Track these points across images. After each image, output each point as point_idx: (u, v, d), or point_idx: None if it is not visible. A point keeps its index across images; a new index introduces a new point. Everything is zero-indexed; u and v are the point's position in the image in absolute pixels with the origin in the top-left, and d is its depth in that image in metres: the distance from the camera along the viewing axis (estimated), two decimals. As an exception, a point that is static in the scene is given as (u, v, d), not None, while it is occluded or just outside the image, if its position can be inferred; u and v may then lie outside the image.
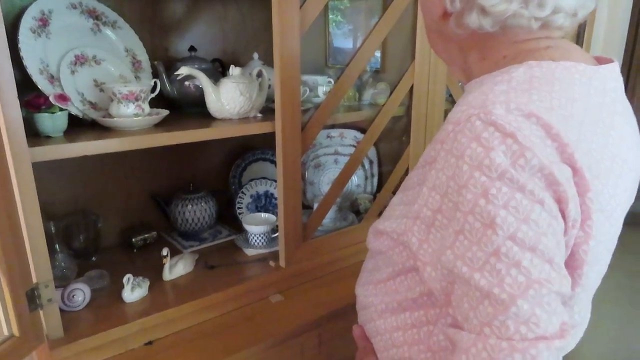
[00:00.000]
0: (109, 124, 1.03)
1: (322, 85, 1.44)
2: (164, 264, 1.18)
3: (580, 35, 2.04)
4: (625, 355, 2.21)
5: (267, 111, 1.26)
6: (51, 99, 0.94)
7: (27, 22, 1.04)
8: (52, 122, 0.94)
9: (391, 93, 1.40)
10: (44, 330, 0.93)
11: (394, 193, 1.50)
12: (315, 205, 1.36)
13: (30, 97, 0.94)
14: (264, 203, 1.53)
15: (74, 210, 1.29)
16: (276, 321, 1.13)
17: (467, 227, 0.48)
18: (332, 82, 1.41)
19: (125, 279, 1.08)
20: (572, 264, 0.54)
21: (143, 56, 1.27)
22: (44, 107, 0.94)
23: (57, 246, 1.11)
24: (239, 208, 1.50)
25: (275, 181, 1.47)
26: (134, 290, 1.09)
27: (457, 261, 0.50)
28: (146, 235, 1.37)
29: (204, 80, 1.14)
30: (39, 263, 0.88)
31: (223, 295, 1.14)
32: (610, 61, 0.59)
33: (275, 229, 1.35)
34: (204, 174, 1.55)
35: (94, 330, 0.97)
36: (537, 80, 0.52)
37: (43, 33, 1.08)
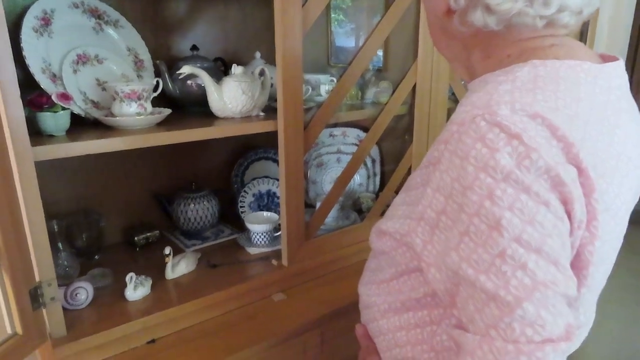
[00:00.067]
0: (112, 123, 1.04)
1: (325, 84, 1.43)
2: (167, 262, 1.19)
3: (584, 32, 2.04)
4: (630, 354, 2.20)
5: (270, 110, 1.26)
6: (53, 98, 0.94)
7: (29, 22, 1.04)
8: (54, 121, 0.94)
9: (394, 92, 1.40)
10: (47, 329, 0.93)
11: (396, 192, 1.50)
12: (318, 204, 1.36)
13: (33, 96, 0.95)
14: (267, 202, 1.53)
15: (76, 209, 1.29)
16: (278, 320, 1.13)
17: (472, 229, 0.48)
18: (335, 80, 1.41)
19: (127, 278, 1.09)
20: (577, 264, 0.54)
21: (145, 55, 1.27)
22: (46, 106, 0.94)
23: (59, 245, 1.12)
24: (241, 207, 1.50)
25: (278, 180, 1.47)
26: (136, 289, 1.09)
27: (462, 263, 0.49)
28: (149, 234, 1.37)
29: (206, 79, 1.14)
30: (41, 261, 0.88)
31: (225, 294, 1.14)
32: (615, 59, 0.58)
33: (277, 228, 1.35)
34: (207, 173, 1.55)
35: (96, 329, 0.97)
36: (542, 80, 0.51)
37: (45, 32, 1.08)
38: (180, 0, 1.38)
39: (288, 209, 1.19)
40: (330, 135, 1.68)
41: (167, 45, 1.39)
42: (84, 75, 1.13)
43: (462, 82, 1.56)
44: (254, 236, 1.36)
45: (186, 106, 1.30)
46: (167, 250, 1.18)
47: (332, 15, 1.77)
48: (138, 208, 1.43)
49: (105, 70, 1.17)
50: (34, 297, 0.88)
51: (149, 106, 1.09)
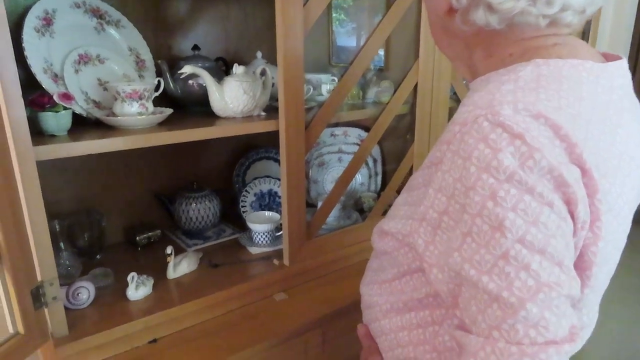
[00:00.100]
0: (113, 122, 1.04)
1: (326, 84, 1.43)
2: (168, 262, 1.19)
3: (586, 31, 2.03)
4: (631, 354, 2.19)
5: (271, 110, 1.26)
6: (55, 97, 0.94)
7: (31, 22, 1.04)
8: (56, 121, 0.94)
9: (395, 91, 1.40)
10: (49, 328, 0.93)
11: (398, 192, 1.50)
12: (319, 204, 1.36)
13: (35, 96, 0.95)
14: (268, 201, 1.53)
15: (78, 208, 1.29)
16: (280, 319, 1.13)
17: (475, 230, 0.48)
18: (336, 80, 1.41)
19: (129, 277, 1.09)
20: (580, 265, 0.53)
21: (147, 55, 1.27)
22: (48, 106, 0.94)
23: (61, 244, 1.12)
24: (242, 206, 1.50)
25: (279, 179, 1.47)
26: (138, 289, 1.09)
27: (465, 264, 0.49)
28: (150, 234, 1.37)
29: (207, 79, 1.14)
30: (43, 261, 0.89)
31: (227, 294, 1.14)
32: (618, 58, 0.58)
33: (279, 228, 1.35)
34: (208, 173, 1.55)
35: (98, 328, 0.97)
36: (545, 79, 0.51)
37: (47, 32, 1.08)
38: (182, 0, 1.38)
39: (289, 208, 1.19)
40: (332, 134, 1.67)
41: (169, 45, 1.39)
42: (86, 75, 1.13)
43: (464, 82, 1.56)
44: (255, 236, 1.36)
45: (187, 106, 1.30)
46: (169, 249, 1.18)
47: (334, 15, 1.77)
48: (140, 208, 1.43)
49: (107, 70, 1.18)
50: (35, 297, 0.89)
51: (150, 106, 1.09)
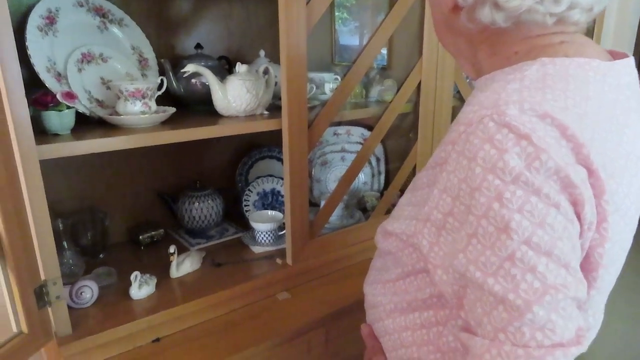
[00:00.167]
0: (116, 121, 1.04)
1: (329, 82, 1.43)
2: (171, 261, 1.19)
3: (590, 29, 2.02)
4: (635, 354, 2.18)
5: (274, 108, 1.25)
6: (58, 96, 0.94)
7: (34, 21, 1.04)
8: (59, 120, 0.94)
9: (398, 90, 1.40)
10: (53, 327, 0.93)
11: (401, 191, 1.50)
12: (322, 203, 1.36)
13: (38, 95, 0.95)
14: (271, 200, 1.53)
15: (81, 207, 1.30)
16: (283, 319, 1.13)
17: (480, 231, 0.47)
18: (339, 79, 1.40)
19: (132, 276, 1.09)
20: (586, 266, 0.53)
21: (149, 54, 1.27)
22: (51, 105, 0.94)
23: (64, 243, 1.12)
24: (245, 205, 1.50)
25: (282, 178, 1.47)
26: (141, 288, 1.09)
27: (470, 265, 0.49)
28: (153, 233, 1.37)
29: (210, 78, 1.14)
30: (47, 260, 0.89)
31: (230, 293, 1.14)
32: (625, 55, 0.57)
33: (282, 227, 1.35)
34: (211, 172, 1.55)
35: (101, 327, 0.98)
36: (551, 79, 0.50)
37: (50, 31, 1.08)
38: (185, -1, 1.38)
39: (292, 207, 1.19)
40: (335, 133, 1.67)
41: (171, 44, 1.39)
42: (89, 74, 1.13)
43: (468, 80, 1.56)
44: (258, 235, 1.36)
45: (190, 105, 1.30)
46: (172, 248, 1.18)
47: (336, 14, 1.76)
48: (143, 207, 1.43)
49: (110, 69, 1.17)
50: (39, 296, 0.89)
51: (153, 105, 1.09)
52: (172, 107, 1.15)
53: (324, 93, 1.42)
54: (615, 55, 0.58)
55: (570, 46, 0.54)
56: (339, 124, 1.65)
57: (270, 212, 1.43)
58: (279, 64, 1.10)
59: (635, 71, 0.57)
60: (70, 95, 0.96)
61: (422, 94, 1.41)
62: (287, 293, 1.23)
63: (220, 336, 1.06)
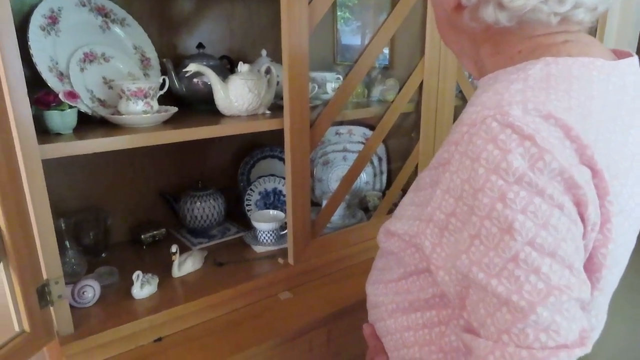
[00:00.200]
0: (118, 121, 1.04)
1: (331, 82, 1.43)
2: (173, 260, 1.19)
3: (593, 28, 2.01)
4: (638, 355, 2.18)
5: (276, 108, 1.25)
6: (61, 96, 0.94)
7: (36, 20, 1.05)
8: (61, 119, 0.95)
9: (400, 89, 1.39)
10: (55, 327, 0.93)
11: (403, 190, 1.50)
12: (324, 203, 1.36)
13: (40, 94, 0.95)
14: (273, 200, 1.53)
15: (83, 207, 1.30)
16: (285, 318, 1.13)
17: (483, 232, 0.47)
18: (341, 78, 1.40)
19: (134, 276, 1.09)
20: (590, 267, 0.53)
21: (152, 53, 1.27)
22: (53, 104, 0.94)
23: (67, 243, 1.12)
24: (247, 205, 1.50)
25: (284, 178, 1.46)
26: (143, 287, 1.09)
27: (473, 266, 0.48)
28: (155, 232, 1.38)
29: (212, 77, 1.14)
30: (49, 260, 0.89)
31: (232, 292, 1.14)
32: (629, 55, 0.57)
33: (283, 226, 1.35)
34: (213, 171, 1.55)
35: (103, 327, 0.98)
36: (555, 79, 0.50)
37: (53, 31, 1.08)
38: (187, -2, 1.38)
39: (294, 207, 1.19)
40: (337, 133, 1.67)
41: (174, 44, 1.39)
42: (91, 74, 1.13)
43: (470, 79, 1.55)
44: (260, 234, 1.36)
45: (192, 104, 1.30)
46: (174, 248, 1.18)
47: (339, 13, 1.76)
48: (144, 206, 1.43)
49: (112, 69, 1.18)
50: (41, 295, 0.89)
51: (155, 104, 1.09)
52: (174, 106, 1.15)
53: (326, 92, 1.42)
54: (619, 55, 0.57)
55: (574, 45, 0.54)
56: (341, 123, 1.65)
57: (272, 212, 1.43)
58: (281, 63, 1.10)
59: None
60: (72, 95, 0.96)
61: (424, 93, 1.41)
62: (289, 293, 1.23)
63: (222, 336, 1.06)
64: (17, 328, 0.89)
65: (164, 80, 1.14)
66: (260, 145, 1.61)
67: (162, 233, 1.39)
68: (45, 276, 0.89)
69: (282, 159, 1.59)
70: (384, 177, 1.73)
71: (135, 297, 1.09)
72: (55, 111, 0.94)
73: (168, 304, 1.07)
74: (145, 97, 1.06)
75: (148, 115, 1.05)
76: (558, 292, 0.45)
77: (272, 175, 1.53)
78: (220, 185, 1.48)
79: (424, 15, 1.36)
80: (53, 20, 1.08)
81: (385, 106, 1.40)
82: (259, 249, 1.35)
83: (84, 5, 1.15)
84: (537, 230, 0.45)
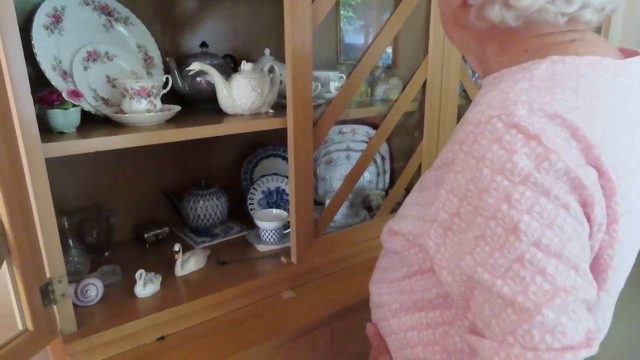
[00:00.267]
0: (121, 119, 1.04)
1: (334, 81, 1.43)
2: (176, 259, 1.19)
3: (597, 28, 2.00)
4: (641, 355, 2.17)
5: (279, 107, 1.25)
6: (64, 95, 0.94)
7: (40, 19, 1.05)
8: (64, 118, 0.95)
9: (404, 88, 1.39)
10: (58, 325, 0.94)
11: (406, 190, 1.49)
12: (327, 202, 1.36)
13: (44, 93, 0.95)
14: (276, 199, 1.53)
15: (86, 205, 1.30)
16: (288, 317, 1.13)
17: (488, 233, 0.47)
18: (344, 77, 1.40)
19: (137, 275, 1.09)
20: (596, 268, 0.52)
21: (155, 52, 1.27)
22: (57, 103, 0.94)
23: (70, 241, 1.12)
24: (250, 204, 1.50)
25: (287, 177, 1.47)
26: (146, 286, 1.09)
27: (478, 267, 0.48)
28: (158, 231, 1.38)
29: (215, 76, 1.13)
30: (52, 258, 0.89)
31: (235, 291, 1.14)
32: (637, 53, 0.56)
33: (286, 225, 1.35)
34: (216, 170, 1.55)
35: (106, 325, 0.98)
36: (561, 78, 0.50)
37: (56, 30, 1.08)
38: (190, -3, 1.38)
39: (297, 206, 1.19)
40: (340, 132, 1.67)
41: (177, 42, 1.39)
42: (94, 73, 1.13)
43: (474, 79, 1.55)
44: (263, 233, 1.36)
45: (195, 103, 1.30)
46: (177, 247, 1.18)
47: (342, 12, 1.76)
48: (148, 205, 1.43)
49: (115, 68, 1.18)
50: (44, 294, 0.89)
51: (158, 103, 1.09)
52: (177, 105, 1.15)
53: (329, 91, 1.41)
54: (626, 53, 0.57)
55: (581, 44, 0.53)
56: (344, 122, 1.65)
57: (275, 211, 1.43)
58: (284, 62, 1.09)
59: None
60: (75, 94, 0.96)
61: (428, 92, 1.41)
62: (292, 292, 1.23)
63: (225, 334, 1.06)
64: (20, 326, 0.89)
65: (167, 79, 1.14)
66: (264, 144, 1.61)
67: (165, 232, 1.39)
68: (48, 275, 0.89)
69: (285, 158, 1.59)
70: (387, 176, 1.72)
71: (138, 296, 1.09)
72: (59, 110, 0.94)
73: (171, 303, 1.07)
74: (149, 95, 1.06)
75: (151, 114, 1.05)
76: (564, 293, 0.44)
77: (275, 174, 1.53)
78: (224, 184, 1.48)
79: (427, 14, 1.36)
80: (56, 19, 1.08)
81: (388, 105, 1.39)
82: (262, 248, 1.35)
83: (87, 4, 1.15)
84: (542, 231, 0.44)
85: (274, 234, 1.35)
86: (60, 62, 1.07)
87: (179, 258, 1.19)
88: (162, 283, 1.13)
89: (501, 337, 0.47)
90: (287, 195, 1.52)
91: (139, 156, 1.37)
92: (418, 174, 1.48)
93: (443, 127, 1.47)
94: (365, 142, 1.66)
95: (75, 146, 0.90)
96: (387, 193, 1.66)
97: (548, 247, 0.45)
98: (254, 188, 1.50)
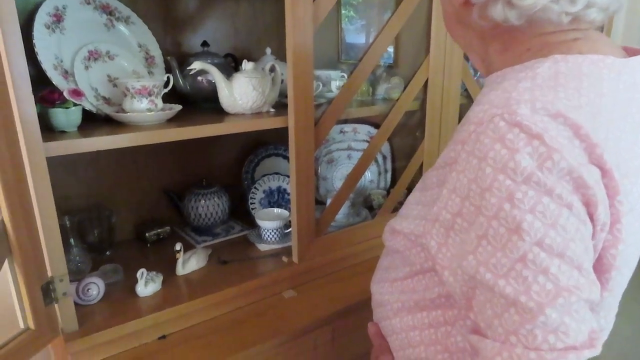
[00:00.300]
0: (123, 119, 1.04)
1: (335, 80, 1.42)
2: (177, 258, 1.19)
3: (599, 27, 1.99)
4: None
5: (280, 106, 1.25)
6: (65, 94, 0.94)
7: (41, 18, 1.05)
8: (66, 117, 0.95)
9: (405, 87, 1.39)
10: (59, 324, 0.94)
11: (408, 189, 1.49)
12: (328, 201, 1.36)
13: (45, 92, 0.95)
14: (277, 198, 1.53)
15: (88, 204, 1.30)
16: (289, 317, 1.13)
17: (490, 232, 0.47)
18: (346, 76, 1.40)
19: (139, 274, 1.09)
20: (599, 268, 0.52)
21: (156, 51, 1.27)
22: (58, 102, 0.94)
23: (71, 240, 1.12)
24: (251, 203, 1.50)
25: (288, 176, 1.46)
26: (147, 285, 1.09)
27: (480, 267, 0.48)
28: (159, 230, 1.38)
29: (216, 75, 1.13)
30: (53, 257, 0.89)
31: (236, 291, 1.14)
32: None
33: (288, 225, 1.35)
34: (217, 169, 1.55)
35: (108, 324, 0.98)
36: (564, 77, 0.49)
37: (57, 29, 1.08)
38: (191, -4, 1.38)
39: (298, 205, 1.19)
40: (341, 131, 1.67)
41: (178, 42, 1.39)
42: (96, 72, 1.13)
43: (476, 78, 1.54)
44: (264, 233, 1.36)
45: (197, 102, 1.30)
46: (178, 246, 1.18)
47: (343, 12, 1.76)
48: (149, 204, 1.43)
49: (117, 67, 1.18)
50: (46, 293, 0.89)
51: (159, 102, 1.09)
52: (179, 104, 1.15)
53: (331, 91, 1.41)
54: (630, 52, 0.56)
55: (585, 43, 0.53)
56: (346, 121, 1.64)
57: (276, 210, 1.43)
58: (286, 61, 1.09)
59: None
60: (77, 93, 0.96)
61: (429, 91, 1.41)
62: (293, 291, 1.23)
63: (226, 334, 1.06)
64: (22, 325, 0.89)
65: (168, 78, 1.14)
66: (265, 144, 1.60)
67: (167, 231, 1.39)
68: (49, 274, 0.89)
69: (286, 157, 1.59)
70: (389, 175, 1.72)
71: (139, 295, 1.09)
72: (60, 109, 0.94)
73: (172, 302, 1.07)
74: (150, 95, 1.06)
75: (152, 113, 1.05)
76: (567, 293, 0.44)
77: (277, 173, 1.53)
78: (225, 184, 1.48)
79: (428, 13, 1.36)
80: (58, 18, 1.08)
81: (390, 104, 1.39)
82: (263, 247, 1.35)
83: (88, 3, 1.15)
84: (545, 230, 0.44)
85: (275, 233, 1.35)
86: (62, 62, 1.07)
87: (180, 257, 1.19)
88: (163, 282, 1.13)
89: (503, 337, 0.47)
90: (288, 194, 1.52)
91: (140, 155, 1.37)
92: (420, 173, 1.48)
93: (445, 127, 1.47)
94: (367, 141, 1.66)
95: (76, 145, 0.90)
96: (388, 192, 1.66)
97: (551, 246, 0.44)
98: (255, 187, 1.50)
